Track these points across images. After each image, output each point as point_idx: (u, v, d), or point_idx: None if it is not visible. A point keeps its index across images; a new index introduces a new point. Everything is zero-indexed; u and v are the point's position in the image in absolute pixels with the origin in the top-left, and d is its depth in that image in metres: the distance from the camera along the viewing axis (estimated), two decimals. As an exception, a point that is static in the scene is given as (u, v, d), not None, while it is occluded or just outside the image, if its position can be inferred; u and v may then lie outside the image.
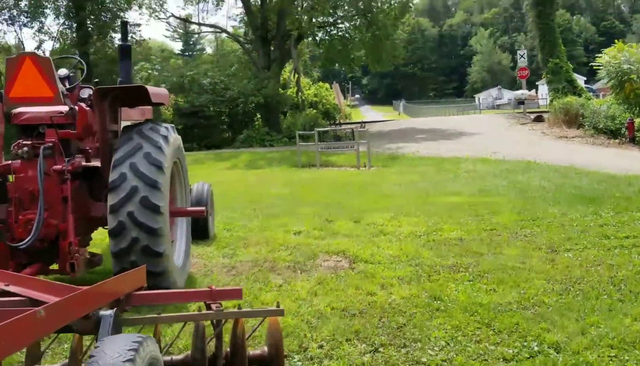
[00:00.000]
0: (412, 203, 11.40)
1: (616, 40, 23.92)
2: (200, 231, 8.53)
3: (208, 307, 3.46)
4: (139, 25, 40.89)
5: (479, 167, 16.70)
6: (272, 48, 35.00)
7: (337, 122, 42.63)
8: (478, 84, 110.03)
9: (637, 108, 21.65)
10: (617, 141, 22.37)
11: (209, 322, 3.68)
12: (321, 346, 4.59)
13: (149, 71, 31.91)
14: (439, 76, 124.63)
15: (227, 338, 3.64)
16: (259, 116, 32.98)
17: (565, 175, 13.85)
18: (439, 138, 27.70)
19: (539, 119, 31.03)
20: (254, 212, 11.23)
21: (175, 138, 6.13)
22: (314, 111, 39.50)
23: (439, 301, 5.53)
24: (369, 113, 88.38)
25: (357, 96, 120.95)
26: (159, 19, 40.21)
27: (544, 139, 24.66)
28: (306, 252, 7.75)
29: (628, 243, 7.34)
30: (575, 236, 7.85)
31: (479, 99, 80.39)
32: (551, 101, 32.95)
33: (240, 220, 10.32)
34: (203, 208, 6.59)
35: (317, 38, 40.93)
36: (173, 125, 6.21)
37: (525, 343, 4.50)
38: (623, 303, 5.26)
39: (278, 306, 3.53)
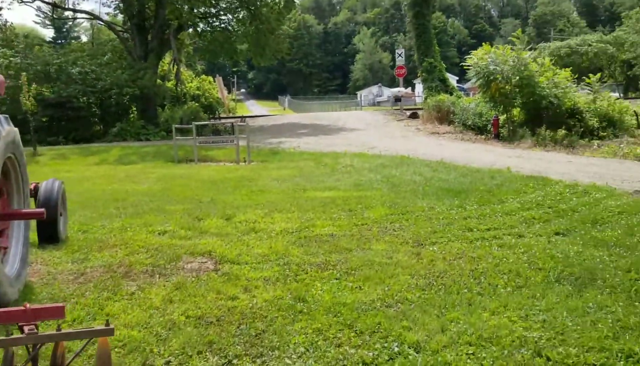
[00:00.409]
0: (287, 199, 11.16)
1: (484, 43, 25.15)
2: (48, 234, 7.77)
3: (21, 329, 2.95)
4: (-1, 8, 37.52)
5: (356, 162, 16.82)
6: (149, 38, 33.51)
7: (218, 116, 41.74)
8: (360, 81, 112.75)
9: (502, 106, 22.89)
10: (483, 137, 23.55)
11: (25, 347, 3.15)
12: (168, 363, 4.17)
13: (10, 59, 29.30)
14: (323, 72, 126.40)
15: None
16: (134, 108, 31.44)
17: (435, 169, 14.25)
18: (319, 133, 27.82)
19: (414, 115, 32.11)
20: (117, 211, 10.48)
21: (8, 131, 5.40)
22: (196, 104, 38.40)
23: (302, 303, 5.28)
24: (254, 107, 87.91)
25: (242, 90, 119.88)
26: (24, 2, 37.31)
27: (418, 135, 25.47)
28: (168, 254, 7.25)
29: (489, 235, 7.52)
30: (440, 229, 7.95)
31: (360, 95, 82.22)
32: (425, 98, 34.22)
33: (100, 220, 9.56)
34: (42, 210, 5.88)
35: (198, 29, 39.84)
36: (7, 116, 5.45)
37: (385, 344, 4.35)
38: (482, 296, 5.29)
39: (107, 324, 3.09)
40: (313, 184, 13.13)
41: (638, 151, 17.24)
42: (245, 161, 19.28)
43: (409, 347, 4.30)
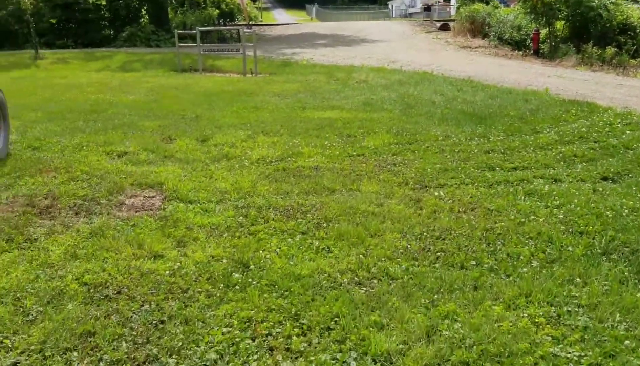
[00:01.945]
0: (280, 118, 9.58)
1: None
2: (-22, 152, 6.41)
3: None
4: None
5: (372, 78, 14.98)
6: None
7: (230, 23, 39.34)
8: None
9: (544, 19, 20.43)
10: (521, 53, 21.25)
11: None
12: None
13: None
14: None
15: None
16: (144, 11, 29.47)
17: (460, 88, 12.37)
18: (338, 45, 25.68)
19: (444, 27, 29.54)
20: (85, 125, 9.06)
21: None
22: (216, 10, 36.08)
23: (242, 271, 3.83)
24: (281, 16, 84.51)
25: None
26: None
27: (446, 49, 23.22)
28: (111, 184, 5.83)
29: (515, 177, 5.90)
30: (453, 166, 6.33)
31: (392, 6, 78.07)
32: (458, 8, 31.39)
33: (60, 135, 8.16)
34: None
35: None
36: None
37: (338, 355, 2.89)
38: (495, 275, 3.75)
39: None
40: (317, 101, 11.46)
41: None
42: (252, 73, 17.56)
43: (373, 362, 2.84)
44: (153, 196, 5.65)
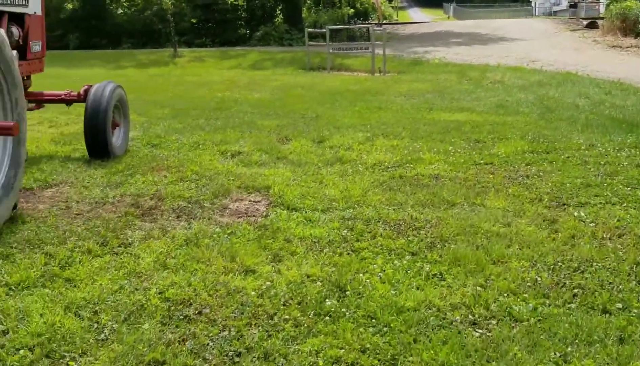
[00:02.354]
0: (403, 120, 9.03)
1: None
2: (97, 148, 6.48)
3: None
4: None
5: (508, 78, 13.94)
6: None
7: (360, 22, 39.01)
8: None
9: None
10: (682, 52, 18.97)
11: None
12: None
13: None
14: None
15: None
16: (279, 11, 29.98)
17: (608, 91, 11.07)
18: (474, 43, 24.49)
19: (592, 25, 27.23)
20: (205, 122, 9.07)
21: None
22: (350, 9, 36.03)
23: (338, 297, 3.35)
24: (417, 15, 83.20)
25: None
26: None
27: (593, 48, 21.30)
28: (218, 186, 5.62)
29: (676, 199, 4.93)
30: (597, 181, 5.44)
31: (535, 3, 74.02)
32: (607, 5, 28.79)
33: (180, 133, 8.18)
34: (11, 124, 4.32)
35: None
36: None
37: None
38: (650, 327, 2.98)
39: None
40: (445, 102, 10.76)
41: None
42: (380, 72, 17.09)
43: None
44: (258, 201, 5.35)
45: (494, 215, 4.62)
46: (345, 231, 4.42)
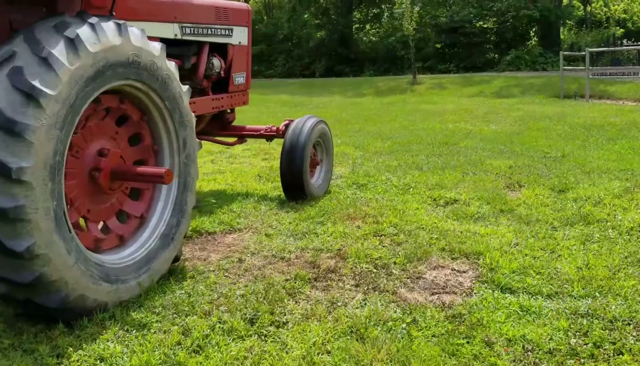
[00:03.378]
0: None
1: None
2: (292, 188, 5.85)
3: None
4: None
5: None
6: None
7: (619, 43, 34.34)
8: None
9: None
10: None
11: None
12: None
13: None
14: None
15: None
16: (532, 33, 27.70)
17: None
18: None
19: None
20: (425, 159, 8.06)
21: (108, 45, 3.30)
22: (620, 30, 32.10)
23: None
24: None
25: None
26: None
27: None
28: (417, 245, 4.54)
29: None
30: None
31: None
32: None
33: (392, 172, 7.28)
34: (161, 171, 3.68)
35: None
36: (123, 22, 3.41)
37: None
38: None
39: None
40: None
41: None
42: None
43: None
44: (463, 272, 4.14)
45: None
46: (576, 339, 3.01)
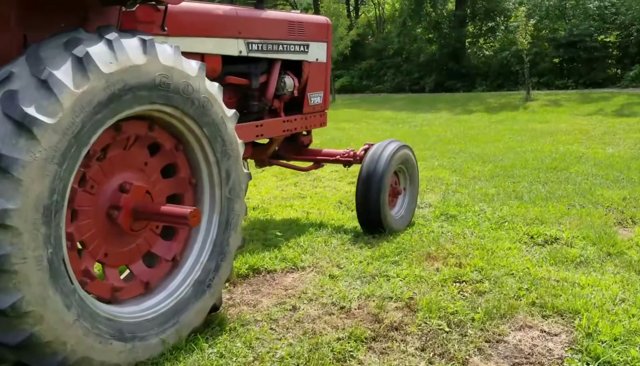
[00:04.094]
0: None
1: None
2: (368, 221, 5.32)
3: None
4: None
5: None
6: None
7: None
8: None
9: None
10: None
11: None
12: None
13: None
14: None
15: None
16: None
17: None
18: None
19: None
20: (528, 188, 7.26)
21: (127, 65, 2.90)
22: None
23: None
24: None
25: None
26: None
27: None
28: (501, 298, 3.87)
29: None
30: None
31: None
32: None
33: (488, 202, 6.56)
34: (186, 211, 3.20)
35: None
36: (151, 38, 3.01)
37: None
38: None
39: None
40: None
41: None
42: None
43: None
44: (554, 335, 3.43)
45: None
46: None
